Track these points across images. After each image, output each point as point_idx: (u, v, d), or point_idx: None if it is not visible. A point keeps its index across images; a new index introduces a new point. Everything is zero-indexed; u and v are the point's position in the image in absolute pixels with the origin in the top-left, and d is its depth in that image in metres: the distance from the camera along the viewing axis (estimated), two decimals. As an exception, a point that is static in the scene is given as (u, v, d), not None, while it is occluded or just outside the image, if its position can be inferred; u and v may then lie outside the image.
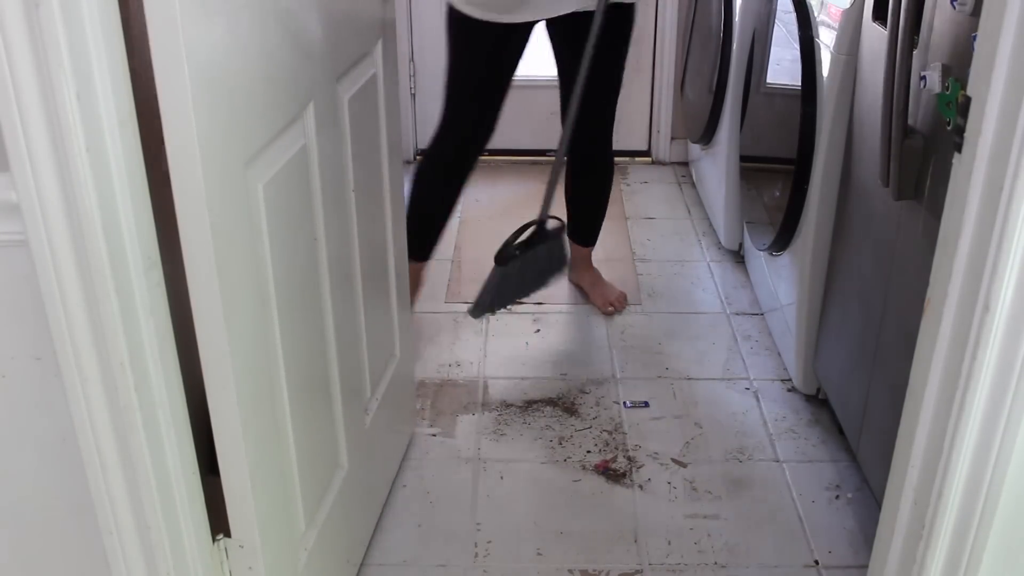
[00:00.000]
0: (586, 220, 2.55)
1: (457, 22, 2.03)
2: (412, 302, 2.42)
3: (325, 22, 1.34)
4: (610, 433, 2.06)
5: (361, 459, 1.62)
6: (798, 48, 2.00)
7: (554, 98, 3.56)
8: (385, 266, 1.76)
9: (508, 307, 2.39)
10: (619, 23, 2.14)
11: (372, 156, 1.62)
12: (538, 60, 3.75)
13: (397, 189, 1.78)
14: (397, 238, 1.80)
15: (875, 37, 1.65)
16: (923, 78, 1.39)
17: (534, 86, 3.57)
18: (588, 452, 2.00)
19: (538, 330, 2.49)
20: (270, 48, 1.15)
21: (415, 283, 2.43)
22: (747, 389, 2.23)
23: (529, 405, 2.17)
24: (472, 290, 2.59)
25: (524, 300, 2.42)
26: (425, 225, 2.31)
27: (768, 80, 2.36)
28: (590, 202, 2.52)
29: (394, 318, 1.84)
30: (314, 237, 1.34)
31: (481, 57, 2.10)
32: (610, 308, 2.57)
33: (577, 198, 2.52)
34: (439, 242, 2.41)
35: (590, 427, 2.08)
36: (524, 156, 3.59)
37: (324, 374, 1.44)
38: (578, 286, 2.67)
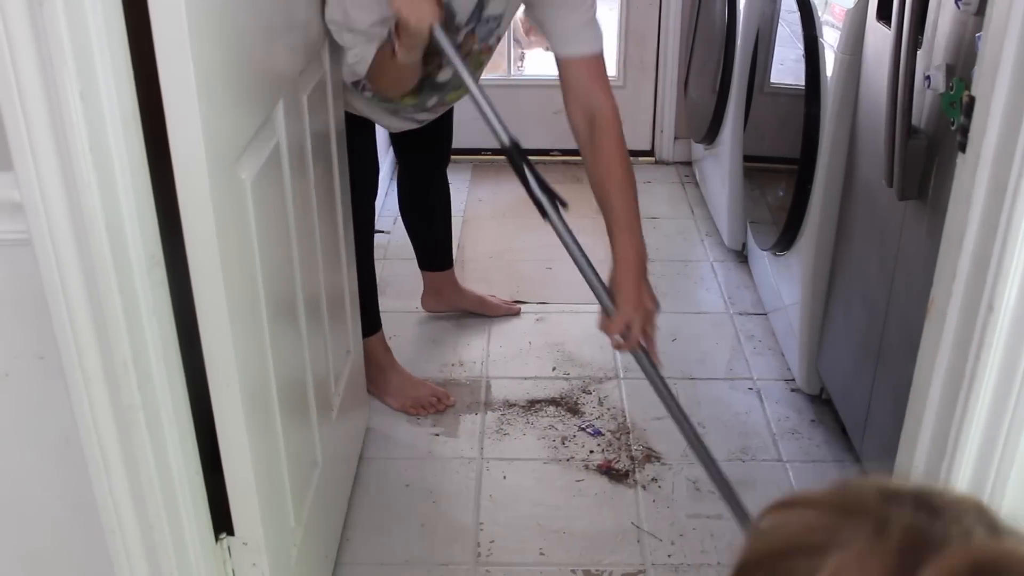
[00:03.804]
0: (440, 242, 2.43)
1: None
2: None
3: (291, 21, 1.35)
4: (613, 433, 2.06)
5: (331, 455, 1.63)
6: (802, 48, 2.00)
7: (555, 98, 3.57)
8: (339, 260, 1.76)
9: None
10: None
11: (326, 154, 1.63)
12: (539, 60, 3.76)
13: (344, 186, 1.79)
14: (347, 233, 1.81)
15: (879, 37, 1.65)
16: (927, 78, 1.39)
17: (535, 86, 3.58)
18: (591, 452, 2.00)
19: (540, 325, 2.49)
20: (252, 43, 1.15)
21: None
22: (750, 389, 2.22)
23: (532, 405, 2.17)
24: (475, 289, 2.59)
25: None
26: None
27: (772, 80, 2.35)
28: (441, 222, 2.41)
29: (347, 313, 1.85)
30: (288, 234, 1.35)
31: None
32: (516, 306, 2.56)
33: (428, 224, 2.38)
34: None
35: (593, 427, 2.08)
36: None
37: (302, 370, 1.45)
38: (466, 310, 2.52)
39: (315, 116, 1.52)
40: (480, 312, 2.52)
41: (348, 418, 1.84)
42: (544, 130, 3.62)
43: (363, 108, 1.87)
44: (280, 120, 1.29)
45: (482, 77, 3.13)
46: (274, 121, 1.27)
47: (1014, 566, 0.41)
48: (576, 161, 3.55)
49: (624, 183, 1.57)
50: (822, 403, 2.14)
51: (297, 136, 1.40)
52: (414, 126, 1.98)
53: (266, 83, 1.22)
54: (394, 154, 2.25)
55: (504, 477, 1.93)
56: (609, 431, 2.07)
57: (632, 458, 1.98)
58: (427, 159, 2.25)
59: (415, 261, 2.47)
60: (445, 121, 2.18)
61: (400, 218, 2.39)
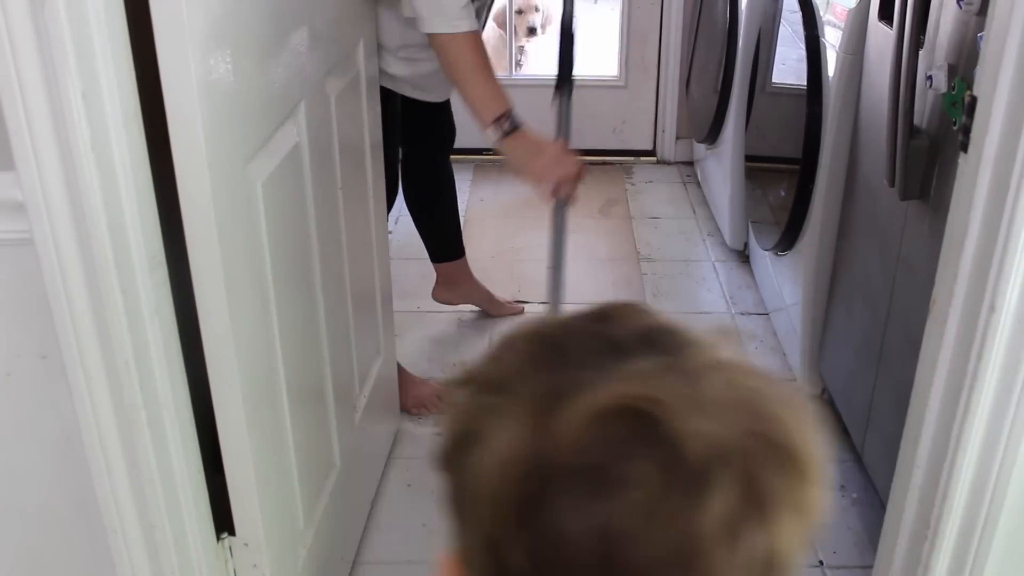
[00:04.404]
0: (449, 231, 2.41)
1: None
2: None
3: (316, 20, 1.34)
4: (614, 433, 2.06)
5: (352, 457, 1.62)
6: (803, 47, 2.00)
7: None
8: (370, 262, 1.76)
9: None
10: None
11: (357, 154, 1.63)
12: (540, 60, 3.76)
13: (379, 187, 1.79)
14: (379, 235, 1.81)
15: (881, 36, 1.65)
16: (929, 78, 1.38)
17: (536, 85, 3.57)
18: (592, 452, 2.00)
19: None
20: (268, 44, 1.15)
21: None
22: (752, 389, 2.22)
23: (533, 404, 2.16)
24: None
25: None
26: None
27: (773, 79, 2.35)
28: (448, 209, 2.38)
29: (378, 315, 1.84)
30: (307, 235, 1.34)
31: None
32: (519, 306, 2.56)
33: (435, 215, 2.36)
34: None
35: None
36: (529, 155, 3.59)
37: (318, 372, 1.44)
38: (475, 304, 2.52)
39: (345, 117, 1.51)
40: (485, 309, 2.52)
41: (375, 419, 1.83)
42: (544, 130, 3.62)
43: (409, 71, 1.83)
44: (302, 121, 1.28)
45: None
46: (295, 122, 1.26)
47: (661, 400, 0.41)
48: (578, 161, 3.56)
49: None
50: (823, 403, 2.14)
51: (322, 137, 1.39)
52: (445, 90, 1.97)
53: (283, 84, 1.21)
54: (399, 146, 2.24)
55: (505, 477, 1.93)
56: (610, 431, 2.07)
57: (633, 458, 1.98)
58: (431, 145, 2.25)
59: (417, 261, 2.46)
60: (444, 107, 2.18)
61: (401, 218, 2.39)
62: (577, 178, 1.62)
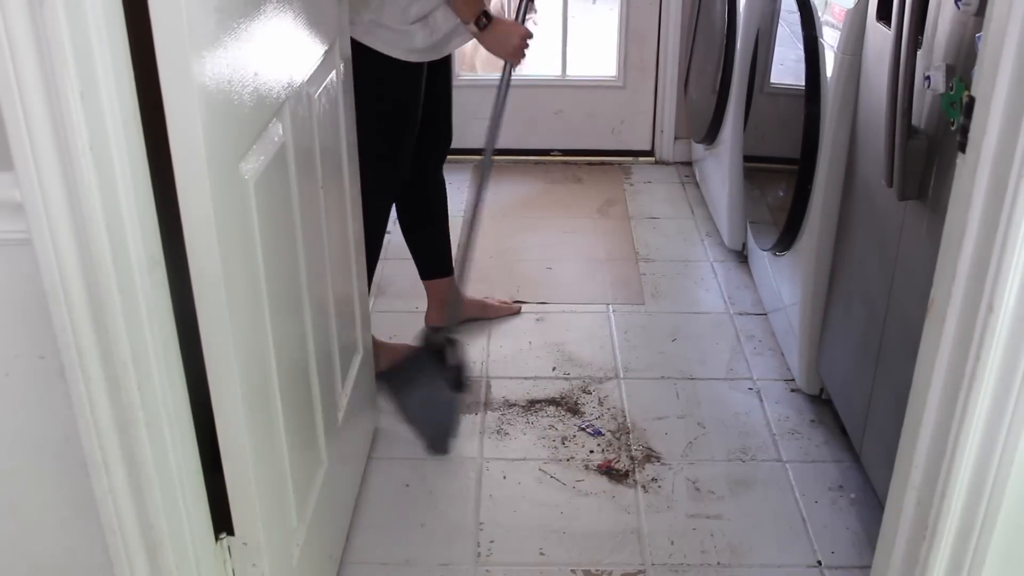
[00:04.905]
0: (439, 247, 2.41)
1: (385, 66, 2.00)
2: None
3: (298, 20, 1.35)
4: (613, 433, 2.06)
5: (337, 454, 1.63)
6: (802, 48, 2.00)
7: (555, 98, 3.57)
8: (348, 260, 1.76)
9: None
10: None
11: (335, 153, 1.63)
12: (539, 60, 3.76)
13: (355, 185, 1.79)
14: (356, 231, 1.81)
15: (879, 37, 1.65)
16: (927, 78, 1.39)
17: (535, 86, 3.58)
18: (591, 452, 2.00)
19: (541, 325, 2.49)
20: (259, 42, 1.15)
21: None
22: (750, 389, 2.22)
23: (532, 405, 2.17)
24: (475, 289, 2.59)
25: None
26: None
27: (772, 80, 2.35)
28: (440, 226, 2.38)
29: (356, 313, 1.85)
30: (294, 234, 1.35)
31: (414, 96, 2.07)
32: (516, 305, 2.58)
33: (425, 228, 2.36)
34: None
35: (593, 427, 2.08)
36: (526, 156, 3.59)
37: (305, 370, 1.45)
38: (469, 317, 2.48)
39: (325, 116, 1.52)
40: (481, 316, 2.51)
41: (356, 417, 1.83)
42: (544, 130, 3.62)
43: (430, 32, 1.93)
44: (287, 119, 1.29)
45: (482, 77, 3.16)
46: (281, 120, 1.27)
47: None
48: (576, 161, 3.57)
49: None
50: (822, 403, 2.14)
51: (305, 136, 1.39)
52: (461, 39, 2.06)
53: (272, 82, 1.22)
54: None
55: (504, 477, 1.93)
56: (609, 431, 2.07)
57: (632, 458, 1.98)
58: (425, 154, 2.25)
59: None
60: (445, 115, 2.19)
61: (398, 220, 2.38)
62: (527, 41, 2.06)
